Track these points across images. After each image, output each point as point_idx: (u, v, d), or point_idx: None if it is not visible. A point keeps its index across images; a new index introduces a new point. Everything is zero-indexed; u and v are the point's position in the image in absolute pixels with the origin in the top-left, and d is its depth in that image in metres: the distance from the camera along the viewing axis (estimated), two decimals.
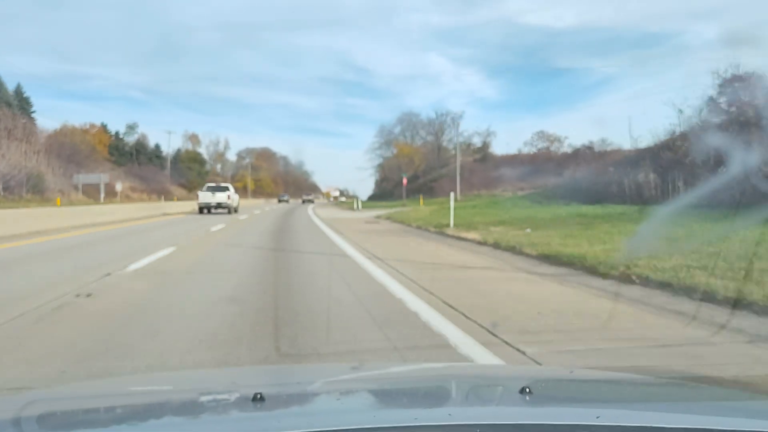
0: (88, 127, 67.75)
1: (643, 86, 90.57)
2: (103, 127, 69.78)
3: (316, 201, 75.12)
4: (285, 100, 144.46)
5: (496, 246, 11.60)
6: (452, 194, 18.03)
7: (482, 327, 4.81)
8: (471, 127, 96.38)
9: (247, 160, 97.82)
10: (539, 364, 3.87)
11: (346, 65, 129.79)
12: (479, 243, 12.61)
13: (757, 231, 9.13)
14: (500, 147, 73.77)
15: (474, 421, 1.17)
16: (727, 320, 5.01)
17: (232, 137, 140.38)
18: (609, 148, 46.38)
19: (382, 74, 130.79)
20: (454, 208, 24.43)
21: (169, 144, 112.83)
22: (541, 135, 62.31)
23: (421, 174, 68.84)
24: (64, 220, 18.72)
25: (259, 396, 1.31)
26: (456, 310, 5.48)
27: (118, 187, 50.35)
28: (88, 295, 6.20)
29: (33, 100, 59.01)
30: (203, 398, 1.60)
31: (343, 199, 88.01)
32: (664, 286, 6.43)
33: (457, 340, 4.41)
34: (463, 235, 14.28)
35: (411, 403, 1.59)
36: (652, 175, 19.82)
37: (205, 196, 31.85)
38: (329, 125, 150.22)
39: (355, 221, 24.57)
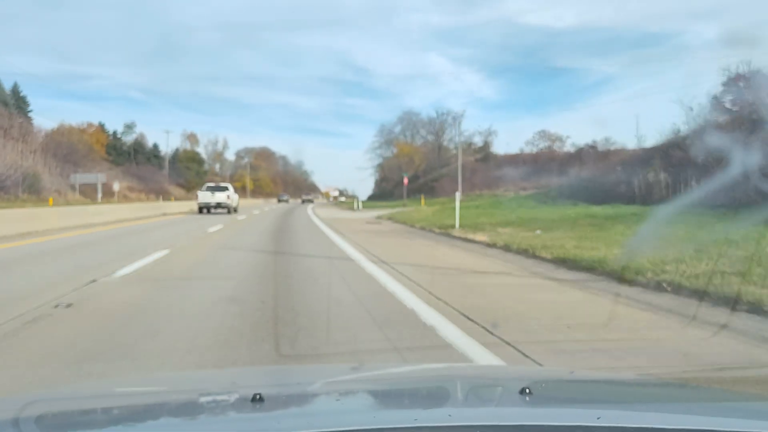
0: (85, 126, 67.18)
1: (643, 86, 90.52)
2: (101, 126, 69.18)
3: (315, 201, 74.67)
4: (285, 100, 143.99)
5: (507, 248, 11.04)
6: (457, 194, 17.46)
7: (507, 343, 4.25)
8: (470, 127, 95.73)
9: (246, 160, 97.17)
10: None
11: (346, 65, 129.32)
12: (488, 245, 12.04)
13: None
14: (500, 147, 73.29)
15: (474, 422, 1.17)
16: None
17: (232, 137, 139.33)
18: (613, 147, 45.96)
19: (382, 74, 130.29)
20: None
21: (168, 143, 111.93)
22: (543, 134, 61.80)
23: (421, 174, 68.25)
24: (56, 221, 18.10)
25: (258, 397, 1.31)
26: (475, 323, 4.91)
27: (116, 186, 49.95)
28: (68, 306, 5.62)
29: (33, 100, 58.75)
30: (202, 399, 1.59)
31: (342, 199, 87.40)
32: (700, 294, 5.86)
33: (483, 359, 3.86)
34: (470, 236, 13.71)
35: (411, 404, 1.58)
36: (662, 175, 19.24)
37: (204, 196, 31.60)
38: (329, 125, 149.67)
39: (356, 222, 23.99)
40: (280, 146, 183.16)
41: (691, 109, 21.92)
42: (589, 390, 1.78)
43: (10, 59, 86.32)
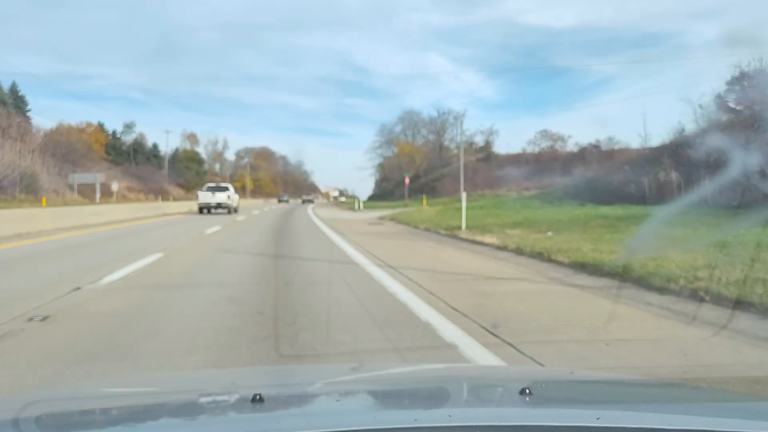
0: (84, 126, 66.62)
1: (643, 86, 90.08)
2: (100, 126, 68.60)
3: (315, 201, 74.18)
4: (284, 100, 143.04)
5: (519, 252, 10.46)
6: (463, 194, 16.87)
7: (538, 363, 3.69)
8: (471, 127, 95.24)
9: (246, 160, 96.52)
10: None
11: (346, 65, 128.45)
12: (498, 248, 11.46)
13: None
14: (500, 147, 72.39)
15: (474, 422, 1.17)
16: None
17: (232, 137, 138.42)
18: (617, 147, 45.39)
19: (382, 74, 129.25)
20: (462, 209, 23.37)
21: (167, 143, 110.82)
22: (545, 134, 61.08)
23: (422, 173, 67.66)
24: (49, 222, 17.52)
25: (258, 397, 1.30)
26: (502, 340, 4.34)
27: (114, 186, 49.52)
28: (44, 319, 5.04)
29: (33, 100, 58.45)
30: (202, 399, 1.59)
31: (342, 199, 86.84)
32: (746, 306, 5.29)
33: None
34: (479, 238, 13.13)
35: (410, 404, 1.57)
36: (674, 174, 18.64)
37: (205, 196, 31.44)
38: (329, 125, 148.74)
39: (358, 223, 23.40)
40: (280, 146, 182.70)
41: (700, 107, 21.34)
42: (589, 390, 1.76)
43: (10, 59, 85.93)
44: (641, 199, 20.40)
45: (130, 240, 14.37)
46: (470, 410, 1.44)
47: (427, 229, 17.57)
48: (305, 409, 1.51)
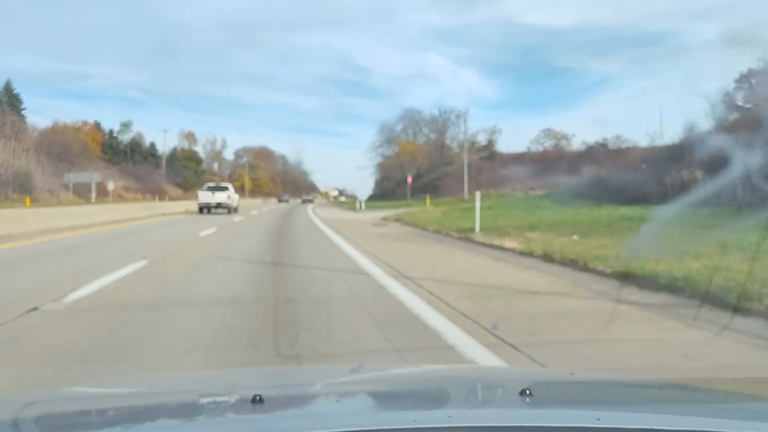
0: (80, 124, 65.45)
1: (644, 85, 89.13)
2: (97, 125, 67.42)
3: (315, 201, 73.19)
4: (284, 99, 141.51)
5: (548, 258, 9.32)
6: (477, 194, 15.72)
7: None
8: (472, 126, 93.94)
9: (245, 159, 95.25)
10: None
11: (346, 65, 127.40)
12: (522, 254, 10.34)
13: None
14: (501, 146, 71.23)
15: (474, 423, 1.17)
16: None
17: (231, 137, 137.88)
18: (624, 145, 44.29)
19: (382, 74, 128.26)
20: (468, 210, 22.18)
21: (165, 142, 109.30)
22: (548, 132, 60.01)
23: (424, 172, 66.47)
24: (33, 224, 16.36)
25: (258, 398, 1.29)
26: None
27: (110, 186, 48.60)
28: None
29: (31, 99, 57.66)
30: (202, 400, 1.55)
31: (342, 199, 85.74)
32: None
33: None
34: (497, 242, 11.99)
35: (410, 405, 1.55)
36: (698, 172, 17.49)
37: (204, 196, 31.21)
38: (328, 125, 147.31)
39: (361, 224, 22.25)
40: (279, 146, 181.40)
41: (722, 100, 20.20)
42: (590, 391, 1.73)
43: (8, 59, 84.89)
44: (661, 199, 19.24)
45: (117, 243, 13.20)
46: (470, 411, 1.39)
47: (436, 231, 16.43)
48: (305, 410, 1.49)
